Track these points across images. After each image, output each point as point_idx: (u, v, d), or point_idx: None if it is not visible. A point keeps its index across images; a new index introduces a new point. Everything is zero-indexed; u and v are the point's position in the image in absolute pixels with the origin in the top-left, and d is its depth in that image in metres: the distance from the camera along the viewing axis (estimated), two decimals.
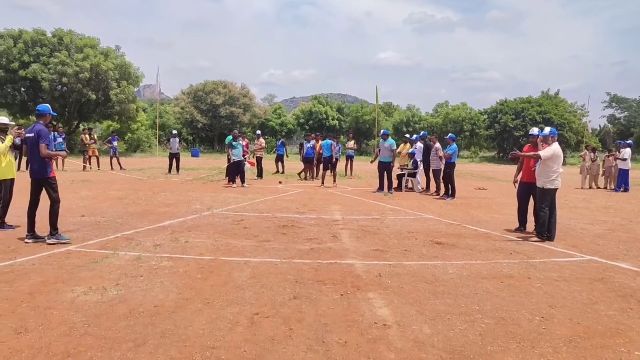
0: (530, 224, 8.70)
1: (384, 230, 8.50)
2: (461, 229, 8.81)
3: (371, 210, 10.88)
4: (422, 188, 15.59)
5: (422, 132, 16.19)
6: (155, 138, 39.81)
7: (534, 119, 43.29)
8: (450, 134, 13.93)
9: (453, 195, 13.38)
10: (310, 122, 49.38)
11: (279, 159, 22.02)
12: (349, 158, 21.28)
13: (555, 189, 8.05)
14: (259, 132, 21.20)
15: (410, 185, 15.76)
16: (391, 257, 6.48)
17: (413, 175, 15.56)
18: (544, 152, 7.97)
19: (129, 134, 42.84)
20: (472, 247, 7.24)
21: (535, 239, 7.98)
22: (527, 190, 8.71)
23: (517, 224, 8.93)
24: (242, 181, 15.93)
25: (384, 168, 14.57)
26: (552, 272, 5.91)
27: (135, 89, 37.27)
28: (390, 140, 14.79)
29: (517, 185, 9.19)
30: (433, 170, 14.63)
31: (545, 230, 7.91)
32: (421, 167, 15.64)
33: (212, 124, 45.97)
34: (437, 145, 14.50)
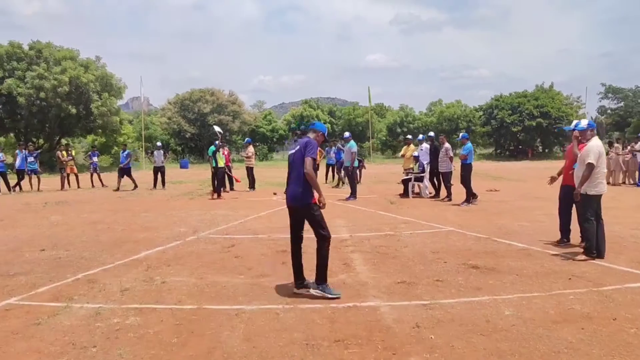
0: (575, 234, 7.33)
1: (403, 251, 7.12)
2: (493, 245, 7.43)
3: (381, 224, 9.49)
4: (430, 193, 14.24)
5: (429, 132, 14.88)
6: (142, 150, 38.28)
7: (531, 114, 42.27)
8: (462, 133, 12.61)
9: (469, 200, 12.04)
10: (302, 126, 47.97)
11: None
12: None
13: (600, 195, 6.69)
14: (248, 139, 19.65)
15: (417, 190, 14.41)
16: (423, 293, 5.09)
17: (420, 179, 14.21)
18: (581, 153, 6.64)
19: (115, 148, 41.27)
20: (518, 271, 5.86)
21: (583, 257, 6.55)
22: (569, 195, 7.33)
23: (553, 234, 7.58)
24: (217, 192, 14.77)
25: (346, 172, 14.09)
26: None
27: (119, 102, 35.86)
28: (351, 142, 13.91)
29: (552, 182, 7.89)
30: (442, 173, 13.29)
31: (594, 246, 6.53)
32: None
33: (201, 133, 44.51)
34: (447, 145, 13.18)
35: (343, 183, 18.06)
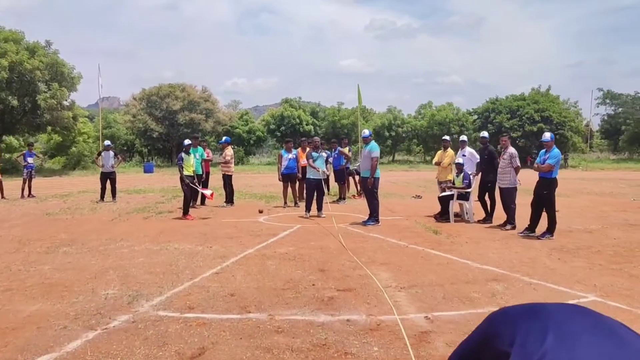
0: None
1: None
2: None
3: (460, 283, 5.53)
4: (462, 215, 10.38)
5: (482, 132, 10.97)
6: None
7: (532, 118, 39.11)
8: (547, 134, 8.63)
9: (551, 230, 8.25)
10: (282, 127, 43.79)
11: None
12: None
13: None
14: (227, 138, 14.61)
15: (457, 210, 10.56)
16: None
17: (465, 197, 10.33)
18: None
19: (74, 148, 36.48)
20: None
21: None
22: None
23: None
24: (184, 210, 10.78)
25: (364, 187, 10.23)
26: None
27: (88, 101, 31.33)
28: (372, 144, 9.93)
29: None
30: (504, 190, 9.46)
31: None
32: (475, 183, 10.49)
33: (170, 133, 39.86)
34: (512, 150, 9.38)
35: (343, 198, 14.11)
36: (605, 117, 50.77)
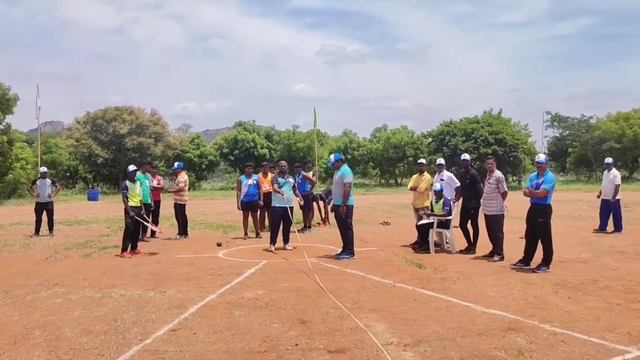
0: None
1: None
2: None
3: (472, 337, 4.60)
4: (442, 244, 9.61)
5: (463, 155, 10.22)
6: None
7: (486, 140, 39.47)
8: (541, 155, 7.94)
9: (547, 262, 7.51)
10: (236, 151, 42.51)
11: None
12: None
13: None
14: (180, 163, 13.04)
15: (436, 239, 9.72)
16: None
17: (444, 225, 9.52)
18: None
19: (11, 175, 33.88)
20: None
21: None
22: None
23: None
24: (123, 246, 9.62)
25: (336, 216, 9.10)
26: None
27: (29, 126, 29.09)
28: (345, 169, 9.10)
29: None
30: (489, 217, 8.70)
31: None
32: (455, 209, 9.72)
33: (117, 158, 37.78)
34: (498, 174, 8.67)
35: (308, 227, 13.08)
36: (552, 140, 51.98)
